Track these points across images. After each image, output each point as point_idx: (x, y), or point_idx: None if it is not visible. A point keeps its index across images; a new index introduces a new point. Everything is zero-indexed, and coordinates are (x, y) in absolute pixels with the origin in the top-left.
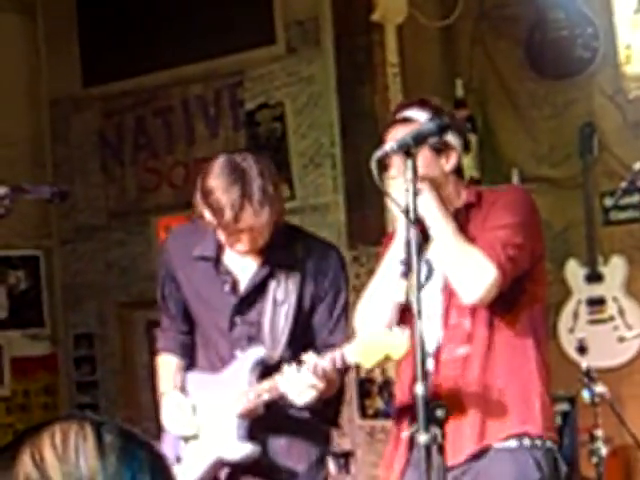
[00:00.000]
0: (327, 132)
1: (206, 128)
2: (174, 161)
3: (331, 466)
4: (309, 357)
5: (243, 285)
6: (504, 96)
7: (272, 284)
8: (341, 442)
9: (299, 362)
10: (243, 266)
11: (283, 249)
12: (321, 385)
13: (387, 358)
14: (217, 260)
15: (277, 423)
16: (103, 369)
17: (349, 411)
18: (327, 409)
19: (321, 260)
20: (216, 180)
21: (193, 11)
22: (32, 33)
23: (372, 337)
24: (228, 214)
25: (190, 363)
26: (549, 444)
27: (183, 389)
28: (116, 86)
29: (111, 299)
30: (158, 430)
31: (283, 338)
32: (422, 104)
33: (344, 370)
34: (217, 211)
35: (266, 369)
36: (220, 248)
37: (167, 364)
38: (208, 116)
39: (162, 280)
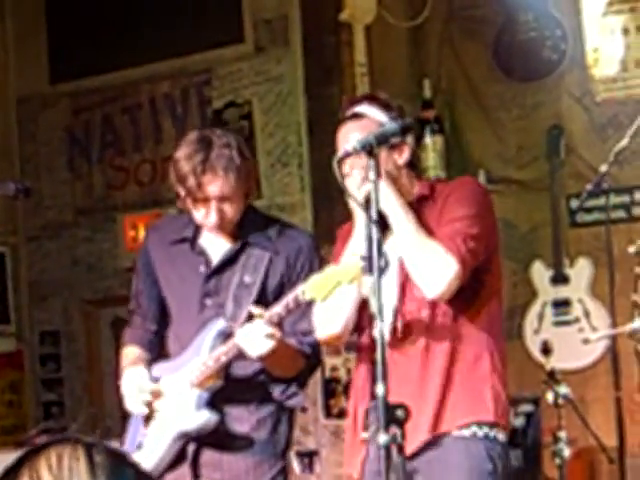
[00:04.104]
0: (294, 131)
1: (173, 126)
2: (141, 159)
3: (295, 465)
4: (258, 310)
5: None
6: (472, 97)
7: (242, 260)
8: (306, 441)
9: (251, 318)
10: (217, 247)
11: (256, 231)
12: (278, 334)
13: (338, 284)
14: (194, 241)
15: (237, 393)
16: (68, 366)
17: (314, 411)
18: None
19: (294, 244)
20: (182, 150)
21: (161, 9)
22: (0, 30)
23: (323, 272)
24: (191, 179)
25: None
26: (501, 436)
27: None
28: (84, 83)
29: (77, 296)
30: (122, 427)
31: (243, 313)
32: (371, 99)
33: (313, 354)
34: (182, 179)
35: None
36: (197, 231)
37: (131, 353)
38: (175, 114)
39: (137, 274)
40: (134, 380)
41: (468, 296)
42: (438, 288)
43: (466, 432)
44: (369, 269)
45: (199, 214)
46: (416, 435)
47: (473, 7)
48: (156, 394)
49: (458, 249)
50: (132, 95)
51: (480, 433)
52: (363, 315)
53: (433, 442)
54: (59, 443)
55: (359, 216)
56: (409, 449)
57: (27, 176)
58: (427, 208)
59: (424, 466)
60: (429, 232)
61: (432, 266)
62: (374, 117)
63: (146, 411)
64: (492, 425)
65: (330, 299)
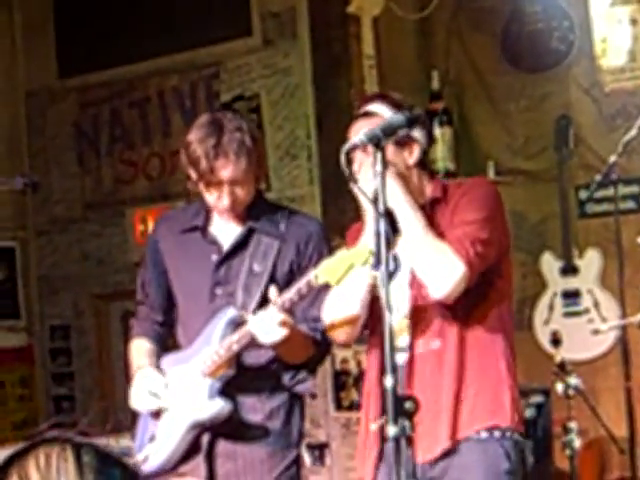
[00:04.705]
0: (303, 124)
1: (182, 120)
2: (150, 153)
3: (306, 458)
4: (274, 293)
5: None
6: (480, 88)
7: (251, 247)
8: (316, 434)
9: (262, 305)
10: (228, 234)
11: (265, 218)
12: (291, 320)
13: (351, 267)
14: (204, 229)
15: (249, 382)
16: (79, 360)
17: (324, 403)
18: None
19: (303, 231)
20: (194, 133)
21: (169, 2)
22: (9, 24)
23: (334, 256)
24: (203, 163)
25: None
26: (517, 436)
27: (156, 368)
28: (92, 77)
29: (87, 290)
30: (132, 421)
31: (253, 302)
32: (382, 98)
33: (324, 341)
34: (194, 163)
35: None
36: (207, 219)
37: (140, 346)
38: (184, 108)
39: (145, 264)
40: (145, 385)
41: (478, 298)
42: (444, 289)
43: (483, 434)
44: (377, 265)
45: (211, 197)
46: (436, 443)
47: None
48: (165, 399)
49: (466, 252)
50: (140, 89)
51: (497, 434)
52: (375, 311)
53: (452, 448)
54: (48, 443)
55: (369, 213)
56: (429, 456)
57: (36, 170)
58: (439, 210)
59: (443, 472)
60: (440, 234)
61: (438, 267)
62: (385, 116)
63: (153, 409)
64: (509, 428)
65: (344, 283)
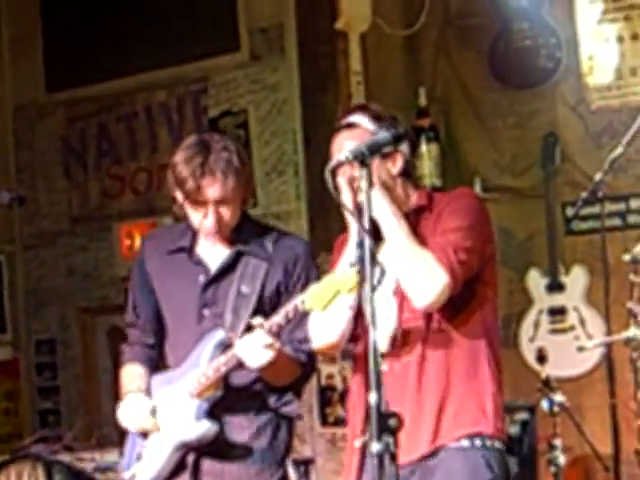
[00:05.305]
0: (290, 140)
1: (169, 135)
2: (137, 167)
3: (292, 474)
4: (258, 320)
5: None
6: (467, 105)
7: (239, 269)
8: (302, 450)
9: (251, 329)
10: (215, 255)
11: (253, 239)
12: (277, 344)
13: (337, 294)
14: (191, 250)
15: (236, 402)
16: (64, 375)
17: (310, 419)
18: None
19: (290, 253)
20: (180, 154)
21: (157, 18)
22: None
23: (322, 281)
24: (190, 182)
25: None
26: (498, 444)
27: (146, 392)
28: (80, 92)
29: (73, 305)
30: (119, 436)
31: (242, 324)
32: (363, 109)
33: (309, 362)
34: (181, 183)
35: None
36: (194, 240)
37: (132, 372)
38: (171, 123)
39: (134, 285)
40: (133, 411)
41: (461, 305)
42: (426, 299)
43: (465, 443)
44: (362, 278)
45: (197, 217)
46: (416, 446)
47: (468, 15)
48: (154, 426)
49: (449, 261)
50: (128, 104)
51: (478, 443)
52: (360, 323)
53: (431, 454)
54: (20, 461)
55: (353, 227)
56: (407, 459)
57: (23, 185)
58: (424, 218)
59: (421, 473)
60: (423, 242)
61: (421, 276)
62: (366, 127)
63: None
64: (491, 436)
65: (330, 309)
